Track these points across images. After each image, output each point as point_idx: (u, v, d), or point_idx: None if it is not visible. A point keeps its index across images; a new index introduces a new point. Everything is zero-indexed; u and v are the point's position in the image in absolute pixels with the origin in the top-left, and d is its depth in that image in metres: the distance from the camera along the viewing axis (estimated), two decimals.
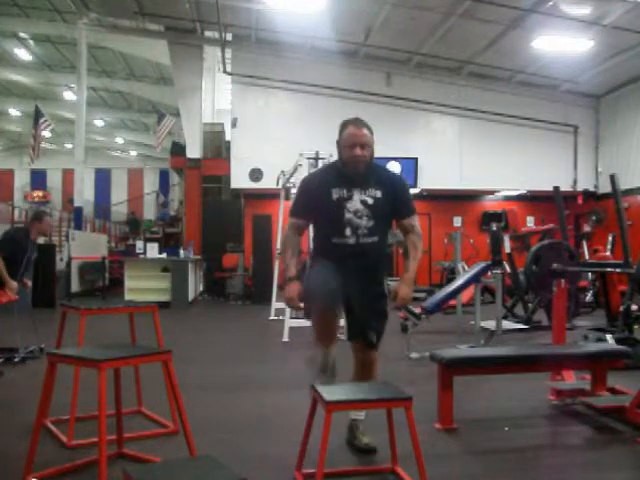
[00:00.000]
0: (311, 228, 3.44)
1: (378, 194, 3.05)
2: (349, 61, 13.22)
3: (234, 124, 13.47)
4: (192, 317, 10.16)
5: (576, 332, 6.47)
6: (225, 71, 13.72)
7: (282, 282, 8.86)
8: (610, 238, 11.30)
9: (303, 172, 7.94)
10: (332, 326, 3.02)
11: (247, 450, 3.19)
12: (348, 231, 3.01)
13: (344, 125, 3.13)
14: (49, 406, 2.86)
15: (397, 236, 12.89)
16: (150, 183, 27.53)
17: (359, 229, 3.01)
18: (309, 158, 7.94)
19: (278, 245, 9.31)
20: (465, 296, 8.18)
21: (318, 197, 3.06)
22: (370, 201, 3.02)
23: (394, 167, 13.28)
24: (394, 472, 2.83)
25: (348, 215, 3.01)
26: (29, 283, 5.99)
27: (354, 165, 3.03)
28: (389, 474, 2.85)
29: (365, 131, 3.07)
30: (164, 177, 26.44)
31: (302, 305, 3.07)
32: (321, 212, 3.08)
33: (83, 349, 3.04)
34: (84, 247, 12.79)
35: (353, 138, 3.03)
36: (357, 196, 3.02)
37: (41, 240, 13.11)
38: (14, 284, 5.50)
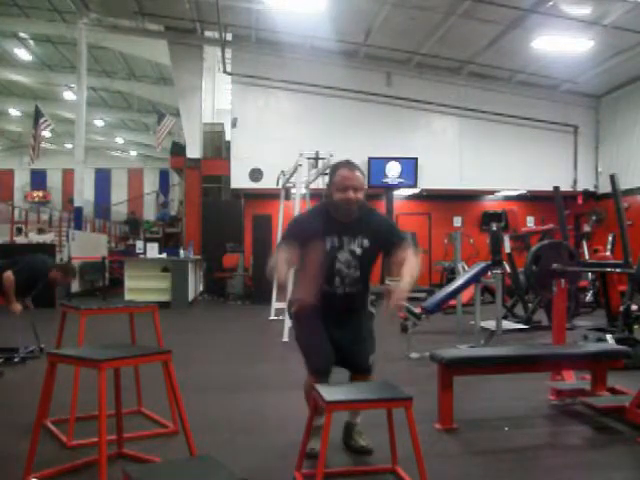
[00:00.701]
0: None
1: (366, 243, 3.02)
2: (349, 61, 13.22)
3: (234, 124, 13.47)
4: (192, 317, 10.16)
5: (576, 332, 6.47)
6: (225, 71, 13.72)
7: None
8: (610, 238, 11.30)
9: (303, 172, 7.97)
10: (324, 348, 3.05)
11: (247, 450, 3.19)
12: (337, 281, 3.02)
13: (336, 168, 3.08)
14: (49, 406, 2.86)
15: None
16: (150, 183, 27.53)
17: (346, 279, 3.02)
18: (309, 158, 7.96)
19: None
20: (465, 296, 8.18)
21: (311, 241, 2.97)
22: (358, 251, 3.02)
23: (394, 167, 13.32)
24: (394, 472, 2.83)
25: (338, 265, 3.01)
26: (31, 306, 5.88)
27: (346, 209, 2.99)
28: (389, 474, 2.85)
29: (357, 174, 3.01)
30: (164, 177, 26.44)
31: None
32: (309, 256, 2.97)
33: (83, 349, 3.04)
34: (84, 247, 12.79)
35: (346, 181, 2.97)
36: (347, 246, 3.01)
37: (41, 240, 13.30)
38: (18, 307, 5.45)
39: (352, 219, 3.03)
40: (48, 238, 13.57)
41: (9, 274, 5.33)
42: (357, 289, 3.07)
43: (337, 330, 3.05)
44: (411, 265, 2.94)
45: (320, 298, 2.93)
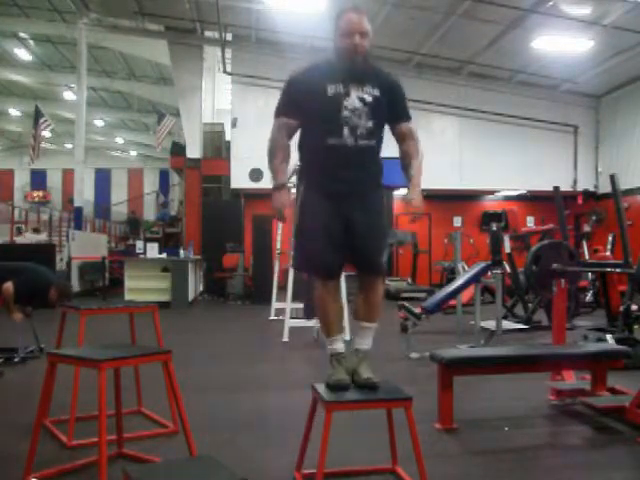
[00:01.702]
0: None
1: (376, 92, 2.72)
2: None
3: (234, 124, 13.47)
4: (192, 317, 10.15)
5: (576, 332, 6.46)
6: (225, 71, 13.72)
7: (282, 280, 8.86)
8: (610, 238, 11.29)
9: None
10: (337, 306, 2.78)
11: (247, 450, 3.19)
12: (346, 131, 2.66)
13: (341, 12, 2.76)
14: (49, 406, 2.86)
15: (397, 236, 12.90)
16: (150, 183, 27.54)
17: (358, 129, 2.67)
18: None
19: (278, 245, 9.30)
20: (465, 296, 8.18)
21: (310, 93, 2.70)
22: (369, 99, 2.69)
23: (394, 167, 13.31)
24: (394, 472, 2.83)
25: (346, 112, 2.66)
26: (31, 313, 5.87)
27: (352, 55, 2.70)
28: (389, 474, 2.85)
29: (365, 18, 2.74)
30: (164, 177, 26.45)
31: (288, 210, 2.81)
32: (314, 110, 2.70)
33: (83, 349, 3.04)
34: (84, 247, 12.79)
35: (352, 25, 2.69)
36: (354, 92, 2.69)
37: (34, 239, 13.29)
38: (19, 316, 5.44)
39: (359, 66, 2.74)
40: (42, 238, 13.62)
41: (9, 286, 5.28)
42: (370, 144, 2.71)
43: (348, 211, 2.69)
44: (418, 161, 2.81)
45: (326, 156, 2.71)
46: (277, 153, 2.87)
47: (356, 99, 2.68)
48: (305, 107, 2.74)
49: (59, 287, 5.50)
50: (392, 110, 2.80)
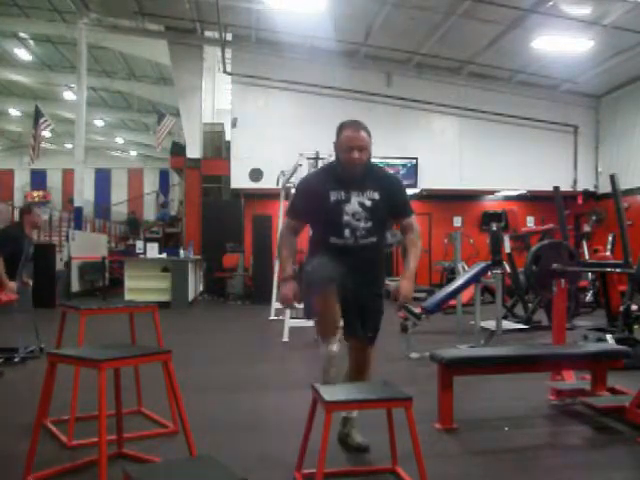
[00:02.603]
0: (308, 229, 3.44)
1: (376, 196, 3.05)
2: (349, 61, 13.22)
3: (234, 124, 13.47)
4: (192, 317, 10.16)
5: (576, 332, 6.47)
6: (225, 71, 13.72)
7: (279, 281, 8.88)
8: (610, 238, 11.30)
9: (303, 172, 7.95)
10: (333, 309, 2.99)
11: (247, 450, 3.19)
12: (347, 232, 3.02)
13: (341, 127, 3.11)
14: (49, 406, 2.86)
15: (397, 236, 12.89)
16: (150, 183, 27.52)
17: (357, 231, 3.02)
18: (309, 158, 7.95)
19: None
20: (465, 296, 8.18)
21: (316, 199, 3.05)
22: (368, 203, 3.03)
23: (394, 167, 13.31)
24: (394, 472, 2.83)
25: (346, 217, 3.01)
26: (30, 282, 5.92)
27: (351, 168, 3.03)
28: (389, 474, 2.85)
29: (363, 134, 3.05)
30: (164, 177, 26.44)
31: (297, 304, 3.12)
32: (319, 214, 3.07)
33: (83, 349, 3.04)
34: (84, 247, 12.79)
35: (351, 141, 3.01)
36: (355, 198, 3.02)
37: (39, 238, 13.30)
38: (12, 285, 5.44)
39: (359, 176, 3.05)
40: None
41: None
42: (370, 241, 3.05)
43: (345, 284, 3.00)
44: (414, 246, 3.10)
45: (330, 248, 3.03)
46: (284, 248, 3.18)
47: (356, 204, 3.03)
48: (311, 211, 3.10)
49: (23, 210, 5.51)
50: (393, 209, 3.14)
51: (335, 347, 2.99)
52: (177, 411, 2.86)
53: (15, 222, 5.80)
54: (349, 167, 3.03)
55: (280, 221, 9.24)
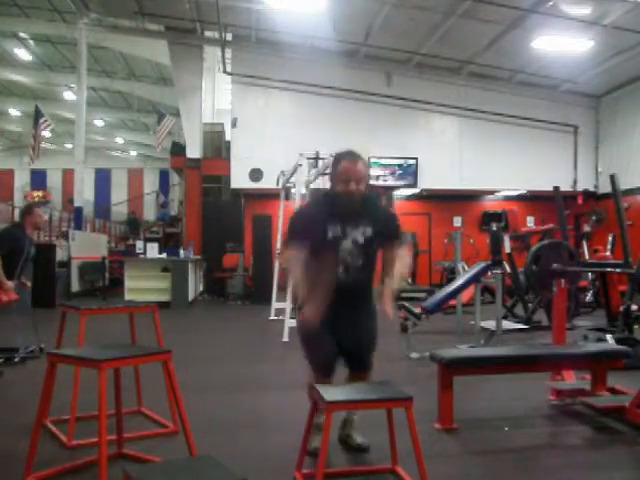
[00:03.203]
0: None
1: (369, 231, 3.05)
2: (349, 61, 13.22)
3: (234, 124, 13.47)
4: (192, 317, 10.16)
5: (576, 332, 6.47)
6: (225, 71, 13.72)
7: (282, 280, 8.87)
8: (610, 238, 11.29)
9: (303, 172, 7.96)
10: (329, 379, 3.07)
11: (247, 450, 3.19)
12: (340, 269, 3.03)
13: (338, 159, 3.08)
14: (49, 406, 2.86)
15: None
16: (150, 183, 27.52)
17: (350, 267, 3.04)
18: (309, 158, 7.95)
19: (278, 245, 9.31)
20: (465, 296, 8.18)
21: (314, 232, 3.02)
22: (361, 240, 3.03)
23: (394, 167, 13.33)
24: (394, 472, 2.83)
25: (342, 254, 3.02)
26: (28, 283, 5.86)
27: (349, 200, 3.01)
28: (389, 474, 2.85)
29: (360, 165, 3.03)
30: (164, 177, 26.43)
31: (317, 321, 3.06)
32: (316, 247, 3.02)
33: (83, 349, 3.04)
34: (84, 247, 12.79)
35: (348, 174, 2.99)
36: (350, 234, 3.03)
37: (39, 238, 13.30)
38: (9, 284, 5.35)
39: (355, 209, 3.04)
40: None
41: None
42: (361, 277, 3.09)
43: (341, 324, 3.04)
44: (401, 263, 3.11)
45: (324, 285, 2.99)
46: (296, 267, 3.05)
47: (350, 241, 3.03)
48: (310, 243, 3.03)
49: (25, 210, 5.50)
50: (386, 236, 3.14)
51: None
52: (177, 411, 2.86)
53: (16, 222, 5.78)
54: (346, 199, 3.00)
55: (280, 221, 9.26)
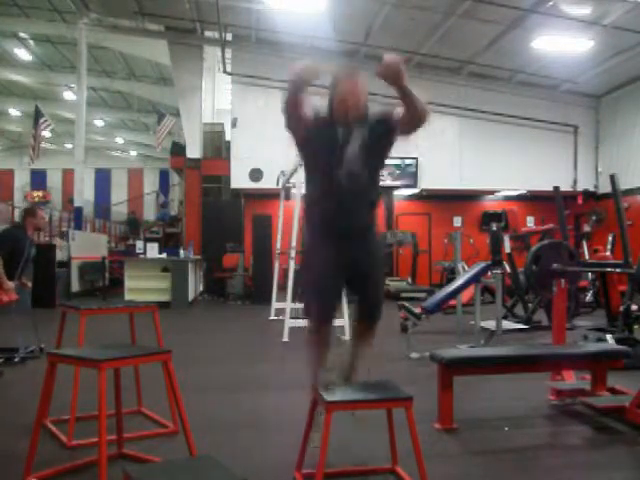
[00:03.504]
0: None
1: (374, 138, 2.94)
2: (349, 61, 13.19)
3: (234, 124, 13.47)
4: (192, 317, 10.15)
5: (576, 332, 6.47)
6: (225, 71, 13.72)
7: (282, 280, 8.86)
8: (610, 238, 11.29)
9: (303, 172, 7.96)
10: (326, 343, 3.06)
11: (247, 450, 3.19)
12: (343, 176, 2.89)
13: (338, 75, 2.98)
14: (49, 406, 2.86)
15: (397, 236, 12.91)
16: (150, 183, 27.53)
17: (353, 174, 2.90)
18: None
19: (278, 245, 9.30)
20: (465, 296, 8.18)
21: (316, 131, 2.93)
22: (366, 143, 2.92)
23: (394, 167, 13.34)
24: (394, 472, 2.83)
25: (345, 160, 2.90)
26: (29, 284, 5.88)
27: (347, 118, 2.92)
28: (389, 474, 2.85)
29: (359, 83, 2.94)
30: (164, 177, 26.44)
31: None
32: (317, 154, 2.95)
33: (83, 349, 3.04)
34: (84, 247, 12.79)
35: (346, 94, 2.91)
36: (354, 141, 2.92)
37: (39, 238, 13.31)
38: (10, 285, 5.37)
39: (356, 123, 2.94)
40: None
41: None
42: (366, 189, 2.97)
43: (347, 255, 2.93)
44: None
45: (327, 199, 2.92)
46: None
47: (353, 147, 2.90)
48: (309, 140, 2.95)
49: (27, 213, 5.51)
50: (389, 128, 2.96)
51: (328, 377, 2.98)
52: (177, 411, 2.86)
53: (16, 223, 5.79)
54: (345, 116, 2.92)
55: (280, 221, 9.26)
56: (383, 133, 2.97)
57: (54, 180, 27.03)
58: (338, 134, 2.93)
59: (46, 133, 15.60)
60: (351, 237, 2.97)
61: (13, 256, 5.50)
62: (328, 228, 2.99)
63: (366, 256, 3.02)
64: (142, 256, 11.35)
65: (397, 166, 13.44)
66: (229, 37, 13.09)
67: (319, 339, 3.03)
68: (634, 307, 5.97)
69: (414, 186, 13.63)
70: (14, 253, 5.52)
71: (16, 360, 5.46)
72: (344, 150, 2.91)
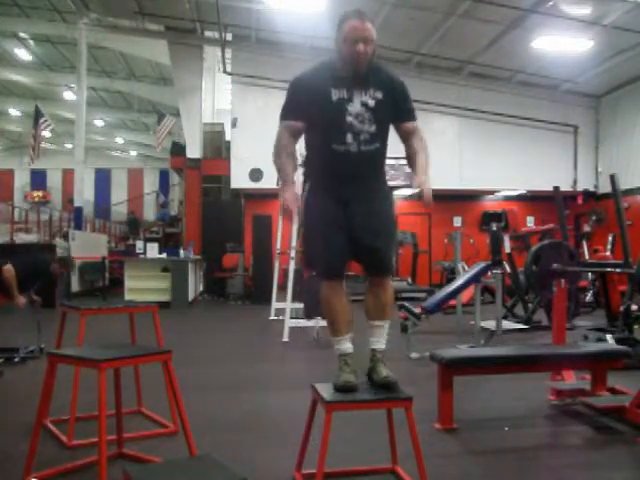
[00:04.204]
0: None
1: (379, 95, 2.72)
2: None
3: (234, 124, 13.47)
4: (192, 317, 10.16)
5: (576, 332, 6.47)
6: (225, 71, 13.72)
7: (282, 280, 8.85)
8: (610, 238, 11.29)
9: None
10: (341, 297, 2.74)
11: (247, 450, 3.19)
12: (349, 137, 2.68)
13: (344, 18, 2.77)
14: (49, 406, 2.86)
15: (397, 236, 12.89)
16: (150, 183, 27.53)
17: (361, 134, 2.69)
18: None
19: (278, 245, 9.30)
20: (465, 296, 8.18)
21: (314, 97, 2.70)
22: (372, 103, 2.70)
23: (394, 167, 13.32)
24: (394, 472, 2.83)
25: (349, 118, 2.67)
26: (38, 299, 5.86)
27: (356, 63, 2.68)
28: (389, 474, 2.85)
29: (368, 24, 2.73)
30: (164, 177, 26.44)
31: (298, 209, 2.79)
32: (318, 115, 2.72)
33: (83, 349, 3.04)
34: (84, 247, 12.79)
35: (356, 32, 2.68)
36: (358, 97, 2.69)
37: (27, 239, 13.31)
38: (22, 300, 5.46)
39: (362, 72, 2.71)
40: (34, 238, 13.72)
41: (9, 267, 5.33)
42: (374, 147, 2.72)
43: (353, 212, 2.71)
44: (421, 144, 2.83)
45: (330, 161, 2.73)
46: (282, 152, 2.89)
47: (359, 104, 2.69)
48: (309, 111, 2.75)
49: (60, 259, 5.54)
50: (396, 110, 2.80)
51: (349, 346, 2.72)
52: (177, 411, 2.86)
53: (48, 259, 5.94)
54: (353, 61, 2.68)
55: (280, 220, 9.26)
56: (390, 104, 2.77)
57: (54, 180, 27.04)
58: (343, 85, 2.70)
59: (46, 133, 15.61)
60: (357, 198, 2.75)
61: (28, 280, 5.54)
62: (332, 188, 2.78)
63: (373, 217, 2.76)
64: (142, 256, 11.36)
65: (391, 167, 13.43)
66: (229, 37, 13.09)
67: (332, 295, 2.72)
68: (634, 307, 5.96)
69: (414, 186, 13.63)
70: (30, 280, 5.57)
71: (16, 360, 5.46)
72: (350, 104, 2.69)
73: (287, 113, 2.84)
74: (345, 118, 2.67)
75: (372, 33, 2.73)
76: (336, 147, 2.70)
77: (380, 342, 2.78)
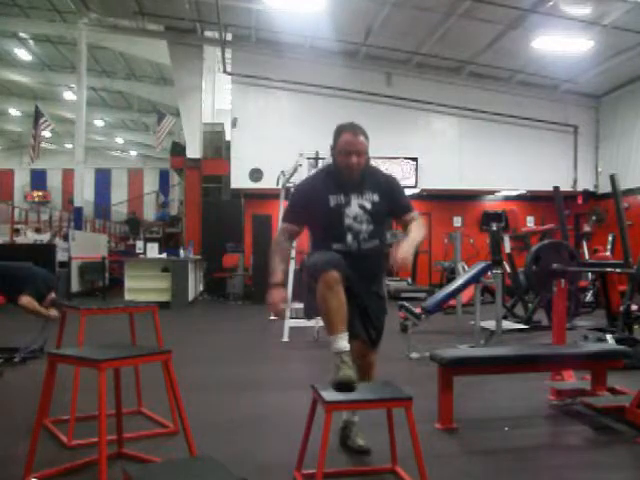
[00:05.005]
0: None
1: (375, 198, 3.00)
2: (349, 61, 13.22)
3: (234, 124, 13.47)
4: (192, 317, 10.16)
5: (576, 332, 6.47)
6: (225, 71, 13.72)
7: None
8: (610, 238, 11.29)
9: (303, 172, 7.96)
10: (341, 298, 2.76)
11: (247, 450, 3.19)
12: (349, 237, 2.95)
13: (339, 131, 3.04)
14: (49, 406, 2.86)
15: (397, 236, 12.90)
16: (150, 183, 27.53)
17: (360, 234, 2.95)
18: (309, 158, 7.95)
19: None
20: (465, 296, 8.18)
21: (315, 203, 2.99)
22: (368, 205, 2.98)
23: (394, 167, 13.33)
24: (394, 472, 2.83)
25: (348, 221, 2.95)
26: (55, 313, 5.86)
27: (349, 172, 2.97)
28: (389, 474, 2.85)
29: (361, 138, 2.99)
30: (164, 177, 26.43)
31: (286, 308, 3.09)
32: (319, 219, 3.01)
33: (83, 349, 3.04)
34: (84, 247, 12.79)
35: (349, 146, 2.95)
36: (355, 201, 2.97)
37: (39, 239, 13.34)
38: (53, 313, 5.33)
39: (356, 181, 2.99)
40: (45, 238, 13.72)
41: (29, 300, 5.24)
42: (373, 244, 2.99)
43: (352, 290, 2.90)
44: (418, 225, 3.04)
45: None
46: (277, 254, 3.20)
47: (356, 207, 2.96)
48: (311, 215, 3.02)
49: (55, 299, 5.56)
50: (394, 207, 3.09)
51: (345, 344, 2.74)
52: (177, 411, 2.86)
53: (52, 284, 5.94)
54: (347, 171, 2.97)
55: (280, 220, 9.26)
56: (387, 204, 3.04)
57: (54, 180, 27.04)
58: (340, 191, 2.97)
59: (46, 133, 15.63)
60: (359, 280, 3.00)
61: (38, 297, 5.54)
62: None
63: (381, 300, 3.10)
64: (142, 256, 11.36)
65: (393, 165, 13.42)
66: (229, 37, 13.09)
67: (328, 292, 2.75)
68: (634, 307, 5.97)
69: (414, 186, 13.63)
70: (39, 296, 5.56)
71: (16, 360, 5.46)
72: (348, 207, 2.95)
73: (286, 217, 3.16)
74: (344, 221, 2.94)
75: (365, 146, 3.00)
76: (337, 247, 2.95)
77: (356, 415, 3.13)
